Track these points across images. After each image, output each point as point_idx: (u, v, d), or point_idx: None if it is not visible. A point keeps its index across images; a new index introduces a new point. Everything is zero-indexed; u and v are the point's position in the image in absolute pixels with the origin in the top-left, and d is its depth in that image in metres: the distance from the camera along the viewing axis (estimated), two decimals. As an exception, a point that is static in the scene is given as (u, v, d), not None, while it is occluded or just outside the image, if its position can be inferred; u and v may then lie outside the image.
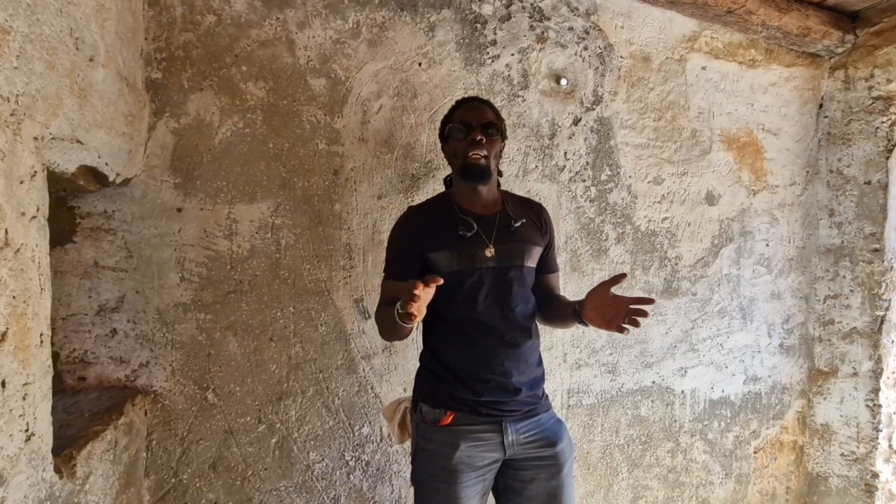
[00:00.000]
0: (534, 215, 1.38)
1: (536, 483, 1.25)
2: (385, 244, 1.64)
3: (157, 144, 1.41)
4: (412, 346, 1.69)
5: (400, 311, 1.05)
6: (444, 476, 1.21)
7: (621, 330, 1.16)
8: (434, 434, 1.25)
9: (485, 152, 1.25)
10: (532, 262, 1.33)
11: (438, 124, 1.69)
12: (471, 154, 1.24)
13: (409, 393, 1.66)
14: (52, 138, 0.92)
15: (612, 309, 1.18)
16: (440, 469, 1.22)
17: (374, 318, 1.33)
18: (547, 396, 1.36)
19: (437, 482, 1.22)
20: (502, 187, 1.44)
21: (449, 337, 1.28)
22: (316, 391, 1.58)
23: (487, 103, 1.34)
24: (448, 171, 1.48)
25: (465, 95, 1.41)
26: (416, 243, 1.27)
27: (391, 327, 1.18)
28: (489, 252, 1.26)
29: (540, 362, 1.35)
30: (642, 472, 2.11)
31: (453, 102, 1.39)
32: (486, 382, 1.25)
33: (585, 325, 1.26)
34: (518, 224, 1.31)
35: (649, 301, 1.15)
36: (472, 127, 1.26)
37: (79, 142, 1.02)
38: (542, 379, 1.35)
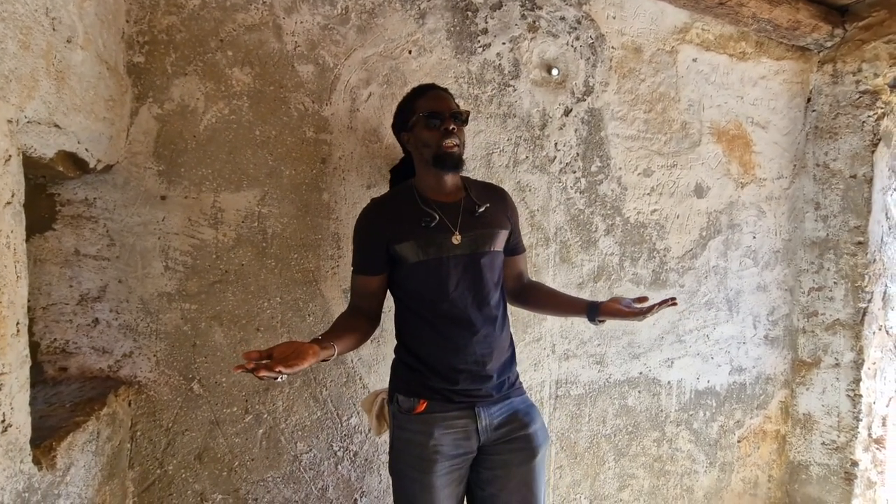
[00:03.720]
0: (497, 199, 1.38)
1: (507, 469, 1.26)
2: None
3: (139, 130, 1.37)
4: (401, 337, 1.69)
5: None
6: (418, 465, 1.22)
7: (640, 313, 1.23)
8: (408, 423, 1.26)
9: (458, 141, 1.26)
10: (499, 246, 1.34)
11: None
12: (446, 143, 1.24)
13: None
14: (28, 122, 0.89)
15: (633, 309, 1.26)
16: (415, 458, 1.23)
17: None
18: (519, 380, 1.38)
19: (413, 471, 1.23)
20: (483, 177, 1.45)
21: (421, 329, 1.28)
22: (303, 382, 1.57)
23: (448, 91, 1.35)
24: (395, 160, 1.48)
25: (421, 84, 1.38)
26: (380, 236, 1.27)
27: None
28: (455, 240, 1.26)
29: (511, 344, 1.37)
30: (628, 461, 2.13)
31: (408, 91, 1.36)
32: (460, 372, 1.26)
33: (595, 322, 1.31)
34: (482, 209, 1.31)
35: (672, 302, 1.21)
36: (444, 117, 1.25)
37: (56, 126, 0.99)
38: (512, 360, 1.36)
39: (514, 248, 1.43)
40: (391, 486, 1.31)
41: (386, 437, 1.68)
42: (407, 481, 1.25)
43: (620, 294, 2.05)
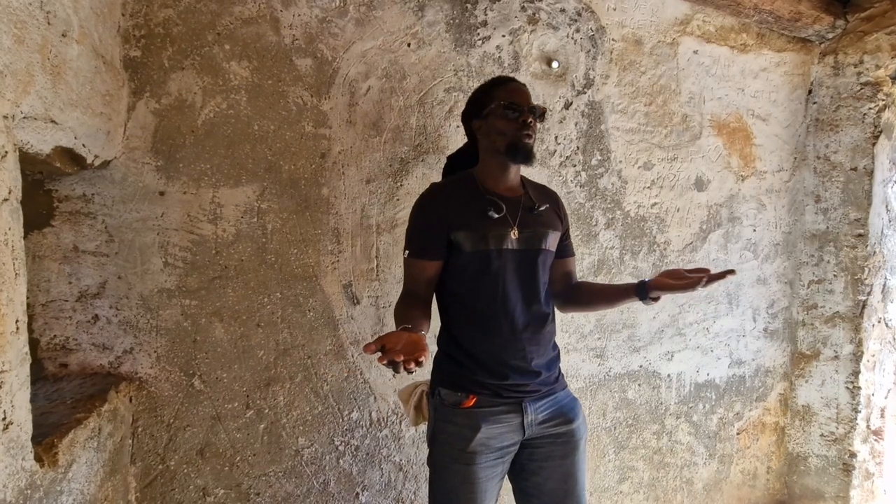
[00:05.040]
0: (552, 201, 1.40)
1: (551, 461, 1.28)
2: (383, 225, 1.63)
3: (137, 125, 1.36)
4: (401, 332, 1.68)
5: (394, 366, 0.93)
6: (463, 458, 1.22)
7: (694, 286, 1.17)
8: (454, 416, 1.25)
9: (533, 134, 1.26)
10: (552, 246, 1.35)
11: (432, 107, 1.68)
12: (523, 134, 1.24)
13: (412, 378, 1.66)
14: (24, 117, 0.88)
15: (687, 279, 1.20)
16: (459, 451, 1.23)
17: (395, 307, 1.27)
18: (562, 374, 1.38)
19: (457, 463, 1.23)
20: None
21: (470, 322, 1.27)
22: (304, 377, 1.57)
23: (526, 86, 1.34)
24: (453, 148, 1.47)
25: (501, 75, 1.41)
26: (441, 220, 1.25)
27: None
28: (514, 234, 1.26)
29: (556, 343, 1.38)
30: (628, 453, 2.14)
31: (489, 80, 1.36)
32: (509, 367, 1.25)
33: (647, 301, 1.27)
34: (542, 208, 1.32)
35: (730, 272, 1.17)
36: (523, 109, 1.25)
37: (53, 121, 0.98)
38: (557, 358, 1.37)
39: (565, 249, 1.43)
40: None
41: (389, 431, 1.69)
42: (448, 473, 1.24)
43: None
